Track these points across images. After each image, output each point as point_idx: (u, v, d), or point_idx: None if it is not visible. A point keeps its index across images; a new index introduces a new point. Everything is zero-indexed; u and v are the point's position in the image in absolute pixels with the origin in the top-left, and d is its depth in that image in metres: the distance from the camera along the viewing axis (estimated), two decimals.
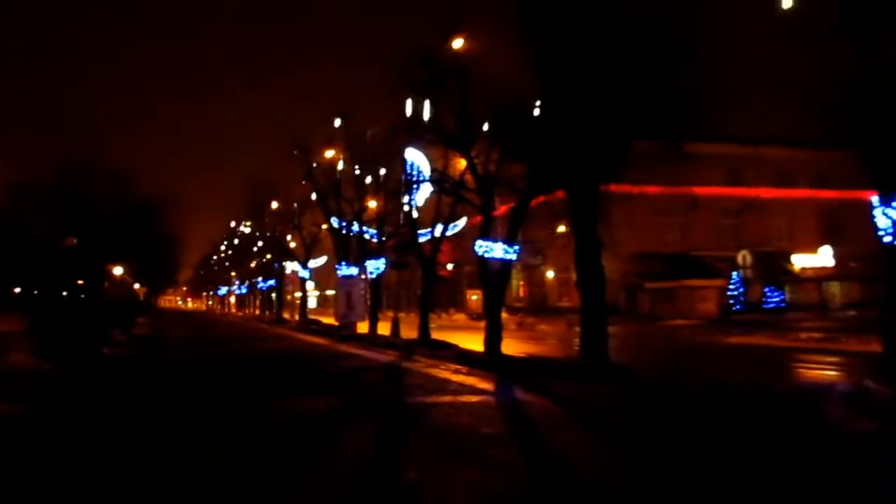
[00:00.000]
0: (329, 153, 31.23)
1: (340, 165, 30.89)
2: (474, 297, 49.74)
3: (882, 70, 9.10)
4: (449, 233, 24.00)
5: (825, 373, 14.54)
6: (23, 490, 6.03)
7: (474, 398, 10.69)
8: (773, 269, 41.30)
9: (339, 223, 31.07)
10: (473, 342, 17.94)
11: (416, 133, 20.07)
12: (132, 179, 39.69)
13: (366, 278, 29.17)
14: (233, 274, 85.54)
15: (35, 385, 11.36)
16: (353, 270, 29.66)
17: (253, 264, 64.55)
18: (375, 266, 27.20)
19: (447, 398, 10.65)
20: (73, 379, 12.63)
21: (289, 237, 47.93)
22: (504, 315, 17.64)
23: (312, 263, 44.14)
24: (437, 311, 44.21)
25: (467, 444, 7.41)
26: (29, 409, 9.57)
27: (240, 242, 69.95)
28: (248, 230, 62.52)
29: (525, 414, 9.71)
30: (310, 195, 35.29)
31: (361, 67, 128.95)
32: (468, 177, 17.80)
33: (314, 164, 32.85)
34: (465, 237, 35.26)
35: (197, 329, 41.49)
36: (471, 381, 12.74)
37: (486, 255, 16.83)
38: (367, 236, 28.77)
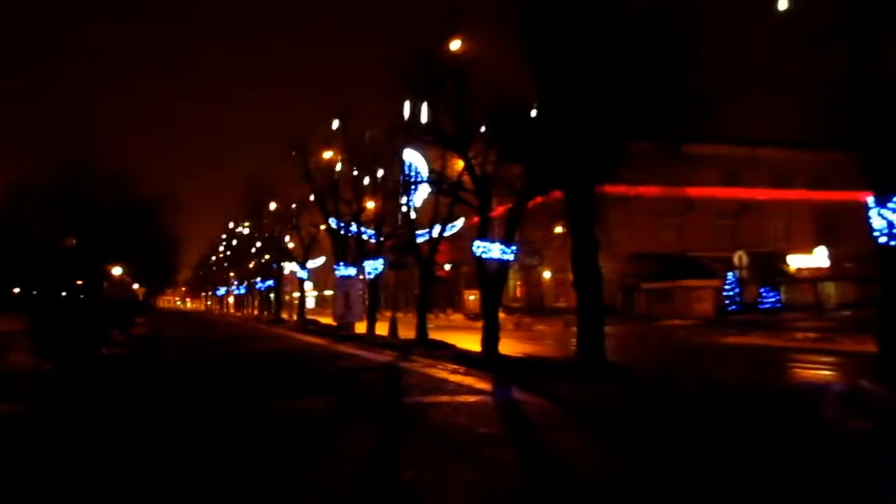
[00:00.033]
0: (327, 154, 31.24)
1: (339, 166, 30.89)
2: (472, 297, 49.76)
3: (880, 71, 9.15)
4: (447, 233, 24.03)
5: (821, 373, 14.61)
6: (23, 490, 6.07)
7: (472, 398, 10.73)
8: (769, 269, 41.42)
9: (338, 224, 31.08)
10: (471, 342, 17.94)
11: (414, 134, 20.11)
12: (132, 179, 39.60)
13: (364, 279, 29.24)
14: (231, 274, 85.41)
15: (35, 385, 11.38)
16: (352, 271, 29.72)
17: (251, 265, 64.49)
18: (373, 266, 27.23)
19: (445, 398, 10.68)
20: (72, 379, 12.66)
21: (287, 238, 47.95)
22: (501, 315, 17.69)
23: (311, 264, 44.11)
24: (434, 312, 44.32)
25: (465, 444, 7.45)
26: (29, 409, 9.60)
27: (238, 243, 69.92)
28: (246, 231, 62.48)
29: (522, 414, 9.74)
30: (308, 196, 35.29)
31: (361, 68, 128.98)
32: (466, 177, 17.81)
33: (312, 165, 32.86)
34: (463, 238, 35.32)
35: (195, 329, 41.50)
36: (468, 380, 12.78)
37: (484, 256, 16.87)
38: (365, 237, 28.78)
